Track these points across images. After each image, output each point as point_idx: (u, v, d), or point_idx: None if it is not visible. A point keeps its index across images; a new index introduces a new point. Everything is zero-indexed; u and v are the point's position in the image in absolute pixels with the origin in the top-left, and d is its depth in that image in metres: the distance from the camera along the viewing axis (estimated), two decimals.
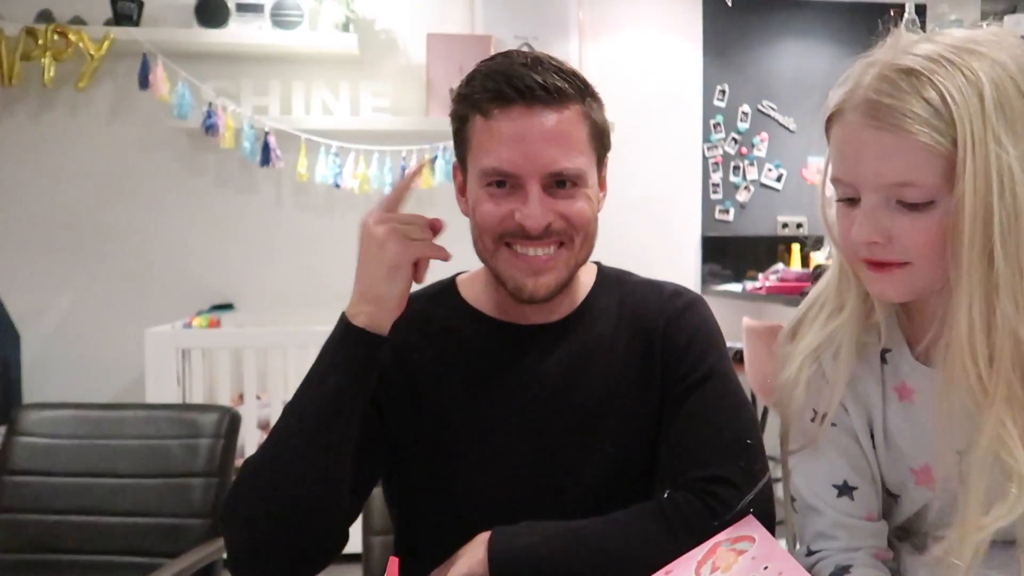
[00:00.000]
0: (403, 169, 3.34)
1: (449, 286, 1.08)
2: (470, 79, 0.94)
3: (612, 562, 0.84)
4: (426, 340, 1.01)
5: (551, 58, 0.93)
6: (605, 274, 1.08)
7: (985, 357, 0.67)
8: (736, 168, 3.78)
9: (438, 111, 3.40)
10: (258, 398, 2.87)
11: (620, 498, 0.93)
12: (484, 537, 0.91)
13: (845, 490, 0.83)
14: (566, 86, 0.90)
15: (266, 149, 3.26)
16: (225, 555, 1.42)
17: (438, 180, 3.35)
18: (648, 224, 3.65)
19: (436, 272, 1.07)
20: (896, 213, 0.70)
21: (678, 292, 1.05)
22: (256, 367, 2.79)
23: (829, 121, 0.77)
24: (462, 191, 1.00)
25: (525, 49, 0.98)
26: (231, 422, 1.50)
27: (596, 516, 0.91)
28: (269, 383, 2.85)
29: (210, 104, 3.19)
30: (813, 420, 0.84)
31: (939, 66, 0.67)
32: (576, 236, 0.94)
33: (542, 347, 0.99)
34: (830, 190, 0.80)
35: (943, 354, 0.71)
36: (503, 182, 0.91)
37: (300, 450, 0.86)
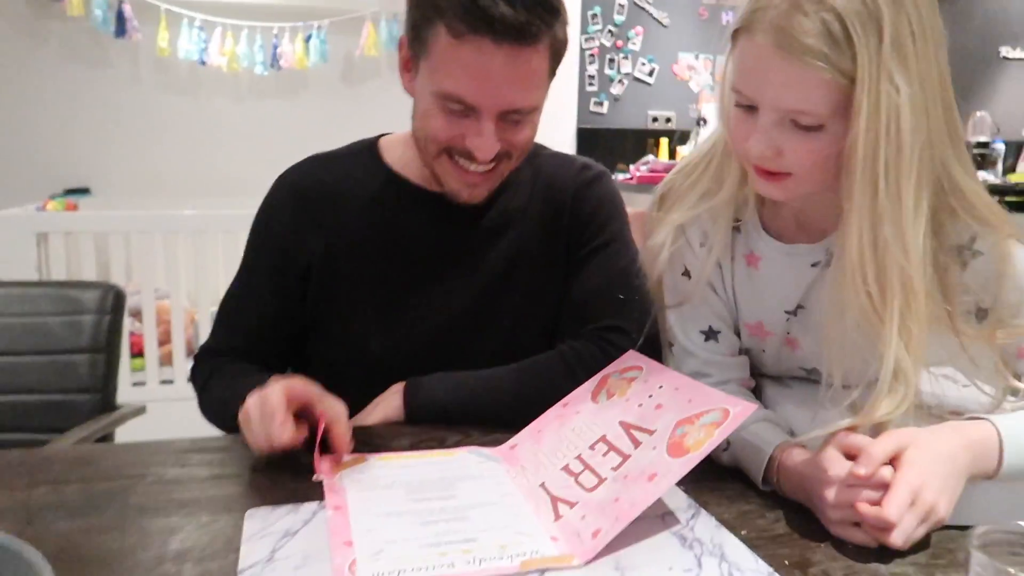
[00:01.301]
0: (275, 48, 3.17)
1: (371, 148, 1.08)
2: None
3: (519, 404, 0.93)
4: (345, 201, 1.03)
5: None
6: None
7: (875, 280, 0.74)
8: (611, 61, 3.85)
9: None
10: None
11: (523, 357, 1.01)
12: (399, 387, 0.98)
13: (711, 334, 0.96)
14: (540, 22, 0.87)
15: (120, 19, 3.00)
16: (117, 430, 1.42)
17: (312, 61, 3.22)
18: None
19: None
20: (789, 132, 0.75)
21: (587, 165, 1.12)
22: (123, 253, 2.66)
23: (736, 31, 0.79)
24: (407, 67, 0.96)
25: None
26: (115, 298, 1.45)
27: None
28: (135, 270, 2.74)
29: None
30: (687, 277, 0.94)
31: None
32: (516, 156, 0.97)
33: (462, 218, 1.03)
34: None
35: (835, 275, 0.78)
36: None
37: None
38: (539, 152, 1.11)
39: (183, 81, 3.26)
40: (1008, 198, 3.69)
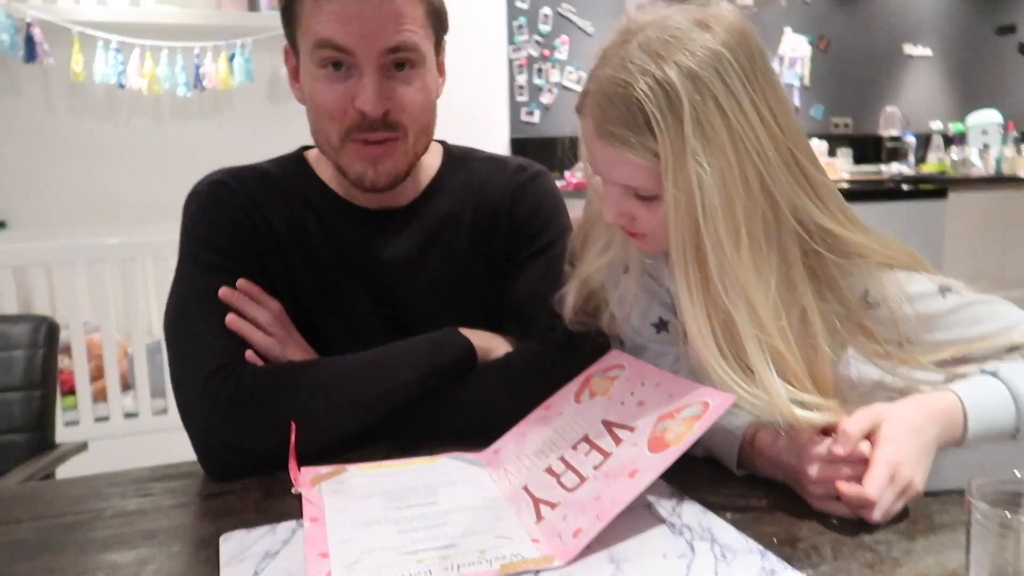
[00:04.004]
0: (197, 68, 3.09)
1: (299, 160, 1.05)
2: None
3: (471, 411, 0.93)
4: (283, 209, 0.99)
5: None
6: (452, 153, 1.11)
7: (720, 343, 0.74)
8: (539, 70, 3.89)
9: (231, 4, 3.15)
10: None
11: None
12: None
13: (661, 326, 0.96)
14: None
15: (30, 43, 2.87)
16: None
17: (237, 80, 3.15)
18: (457, 126, 3.66)
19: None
20: (633, 201, 0.80)
21: (522, 166, 1.10)
22: (45, 286, 2.53)
23: (577, 108, 0.84)
24: (295, 75, 0.97)
25: None
26: (49, 331, 1.38)
27: None
28: (59, 303, 2.60)
29: None
30: (627, 272, 0.95)
31: (645, 79, 0.73)
32: (411, 128, 0.95)
33: (390, 230, 1.01)
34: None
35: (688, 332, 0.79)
36: (339, 63, 0.90)
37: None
38: (471, 155, 1.10)
39: (100, 105, 3.14)
40: (922, 186, 3.89)
